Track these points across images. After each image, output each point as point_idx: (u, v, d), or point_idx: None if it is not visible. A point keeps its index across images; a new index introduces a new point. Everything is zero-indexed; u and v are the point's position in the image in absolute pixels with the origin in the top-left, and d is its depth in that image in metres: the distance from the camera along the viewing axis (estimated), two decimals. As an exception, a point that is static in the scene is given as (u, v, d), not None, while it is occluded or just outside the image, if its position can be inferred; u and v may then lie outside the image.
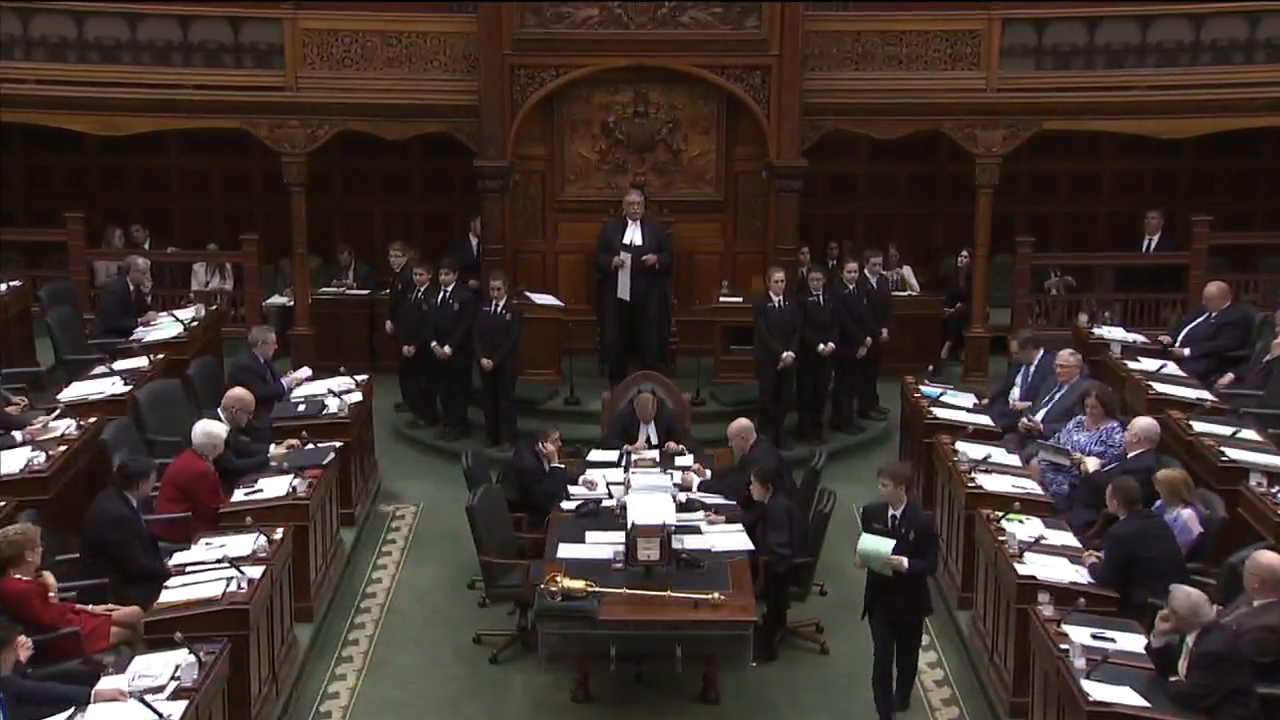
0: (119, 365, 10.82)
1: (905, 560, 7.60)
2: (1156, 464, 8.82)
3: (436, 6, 13.43)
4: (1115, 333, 12.07)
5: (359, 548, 10.25)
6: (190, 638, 6.71)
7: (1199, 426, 9.48)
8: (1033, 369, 10.83)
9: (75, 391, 10.32)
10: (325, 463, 9.35)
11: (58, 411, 9.67)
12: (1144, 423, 9.11)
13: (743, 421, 9.67)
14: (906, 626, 7.93)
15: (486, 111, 12.57)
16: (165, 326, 11.92)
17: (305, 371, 11.44)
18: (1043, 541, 7.98)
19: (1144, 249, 13.92)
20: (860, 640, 8.65)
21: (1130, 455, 8.99)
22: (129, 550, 7.98)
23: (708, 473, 9.54)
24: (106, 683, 6.47)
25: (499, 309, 11.69)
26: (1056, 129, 13.29)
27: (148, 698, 6.24)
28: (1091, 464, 9.21)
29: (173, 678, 6.46)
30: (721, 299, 12.50)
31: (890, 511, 7.80)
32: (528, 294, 12.53)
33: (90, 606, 7.55)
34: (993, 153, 12.95)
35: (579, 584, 7.72)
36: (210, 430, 9.03)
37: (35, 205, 14.61)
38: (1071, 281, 14.18)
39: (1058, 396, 10.31)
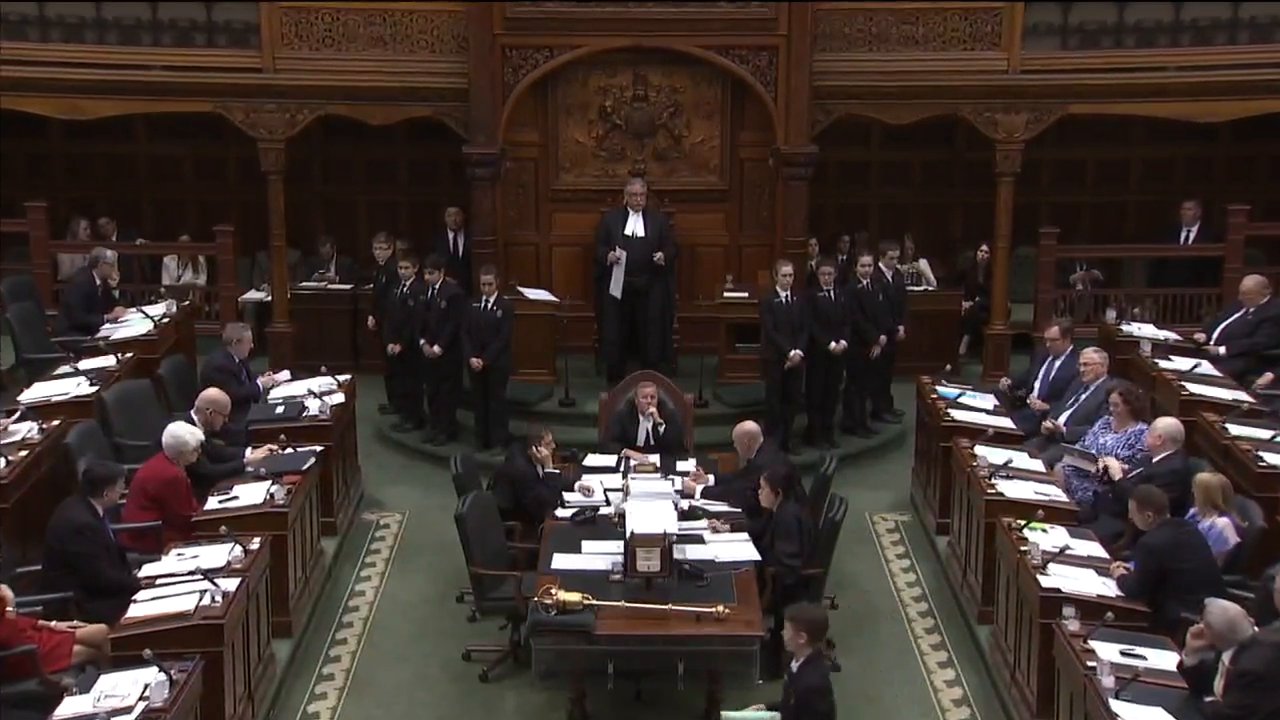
0: (84, 364, 10.82)
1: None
2: (1185, 466, 8.82)
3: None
4: (1146, 330, 12.04)
5: (341, 558, 10.24)
6: (160, 655, 6.68)
7: (1235, 429, 9.47)
8: (1058, 363, 10.84)
9: (37, 392, 10.32)
10: (305, 468, 9.34)
11: (18, 414, 9.64)
12: (1167, 423, 9.09)
13: (749, 424, 9.66)
14: None
15: (476, 95, 12.56)
16: (134, 323, 11.92)
17: (284, 373, 11.43)
18: (1068, 552, 7.97)
19: (1182, 240, 13.89)
20: (873, 656, 8.66)
21: (1156, 459, 8.97)
22: (94, 562, 7.96)
23: (711, 479, 9.53)
24: None
25: (489, 305, 11.68)
26: (1083, 113, 13.25)
27: (114, 719, 6.23)
28: (1113, 466, 9.19)
29: (141, 698, 6.44)
30: (726, 294, 12.49)
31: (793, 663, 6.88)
32: (520, 289, 12.53)
33: (53, 623, 7.54)
34: (1015, 138, 12.93)
35: (575, 596, 7.70)
36: (182, 434, 9.02)
37: (-5, 194, 14.62)
38: (1098, 275, 14.18)
39: (1083, 397, 10.31)
